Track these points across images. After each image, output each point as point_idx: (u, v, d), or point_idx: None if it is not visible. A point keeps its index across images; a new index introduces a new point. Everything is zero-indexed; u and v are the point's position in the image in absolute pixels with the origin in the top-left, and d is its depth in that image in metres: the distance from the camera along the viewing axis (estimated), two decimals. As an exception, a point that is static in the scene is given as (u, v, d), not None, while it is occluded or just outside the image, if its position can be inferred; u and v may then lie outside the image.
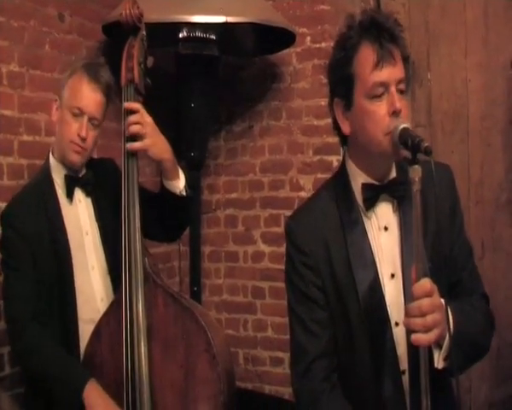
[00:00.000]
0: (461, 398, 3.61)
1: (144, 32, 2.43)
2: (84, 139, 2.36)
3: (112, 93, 2.46)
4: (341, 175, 1.92)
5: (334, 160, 3.51)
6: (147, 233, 2.61)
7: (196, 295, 3.34)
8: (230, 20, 3.08)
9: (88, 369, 2.23)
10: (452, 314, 1.67)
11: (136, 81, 2.39)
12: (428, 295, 1.57)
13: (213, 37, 3.34)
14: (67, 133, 2.36)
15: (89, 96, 2.37)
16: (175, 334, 2.22)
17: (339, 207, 1.88)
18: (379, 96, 1.73)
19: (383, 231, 1.86)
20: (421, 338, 1.56)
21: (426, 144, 1.61)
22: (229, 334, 3.69)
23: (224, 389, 2.17)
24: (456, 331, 1.65)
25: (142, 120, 2.32)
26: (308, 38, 3.69)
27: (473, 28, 3.62)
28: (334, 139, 3.58)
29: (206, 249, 3.87)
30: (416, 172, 1.58)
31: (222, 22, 3.07)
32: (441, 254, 1.84)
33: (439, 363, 1.68)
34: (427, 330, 1.56)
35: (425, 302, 1.56)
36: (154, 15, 3.17)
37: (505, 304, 3.56)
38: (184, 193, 2.45)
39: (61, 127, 2.39)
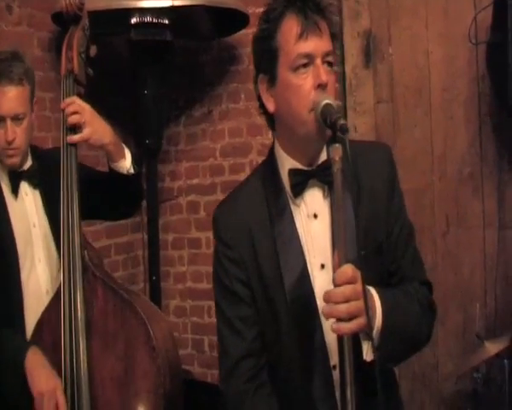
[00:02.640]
0: (427, 375, 3.61)
1: (87, 21, 2.38)
2: (11, 142, 2.31)
3: (31, 74, 2.37)
4: (270, 161, 1.81)
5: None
6: (100, 214, 2.58)
7: (155, 284, 3.30)
8: (177, 3, 3.02)
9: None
10: (382, 304, 1.61)
11: (75, 71, 2.34)
12: (351, 281, 1.47)
13: (165, 21, 3.28)
14: None
15: (3, 100, 2.29)
16: (115, 327, 2.17)
17: (266, 195, 1.78)
18: (304, 67, 1.63)
19: (313, 219, 1.74)
20: (342, 327, 1.47)
21: (342, 122, 1.48)
22: (194, 321, 3.66)
23: (164, 381, 2.13)
24: (385, 322, 1.60)
25: (80, 109, 2.27)
26: (263, 18, 3.60)
27: (433, -1, 3.58)
28: (294, 119, 3.59)
29: (170, 237, 3.83)
30: (335, 152, 1.48)
31: (169, 6, 3.01)
32: (376, 239, 1.75)
33: (367, 355, 1.60)
34: (350, 318, 1.47)
35: (347, 289, 1.46)
36: (104, 2, 3.13)
37: (470, 279, 3.54)
38: (132, 171, 2.41)
39: None
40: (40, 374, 2.06)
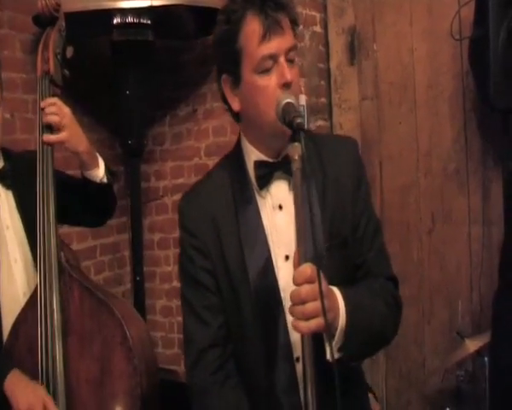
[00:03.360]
0: (413, 373, 3.61)
1: (63, 23, 2.37)
2: None
3: None
4: (236, 152, 1.82)
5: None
6: (72, 220, 2.57)
7: (139, 285, 3.29)
8: (156, 3, 3.00)
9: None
10: (345, 303, 1.59)
11: (51, 72, 2.33)
12: (309, 281, 1.45)
13: (147, 22, 3.26)
14: None
15: None
16: (91, 328, 2.16)
17: (232, 187, 1.77)
18: (268, 70, 1.62)
19: (278, 211, 1.74)
20: (300, 325, 1.46)
21: (298, 121, 1.48)
22: (181, 321, 3.62)
23: (141, 381, 2.12)
24: (349, 321, 1.58)
25: (60, 112, 2.26)
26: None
27: (417, -5, 3.58)
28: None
29: (156, 237, 3.81)
30: (294, 150, 1.46)
31: (147, 6, 3.00)
32: (342, 233, 1.74)
33: (330, 354, 1.56)
34: (307, 317, 1.45)
35: (304, 289, 1.45)
36: (85, 3, 3.12)
37: (456, 276, 3.54)
38: (105, 180, 2.40)
39: None
40: (24, 389, 2.05)
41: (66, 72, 2.39)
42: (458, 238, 3.53)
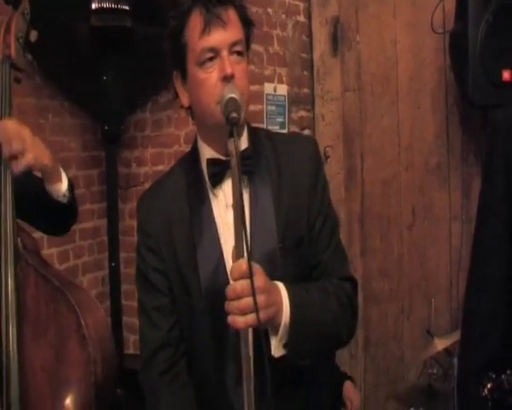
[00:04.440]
0: (391, 369, 3.58)
1: (27, 5, 2.34)
2: None
3: None
4: (193, 150, 1.81)
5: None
6: (30, 222, 2.55)
7: (115, 271, 3.27)
8: (130, -12, 2.98)
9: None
10: (290, 299, 1.57)
11: (12, 56, 2.29)
12: (244, 276, 1.43)
13: (125, 7, 3.23)
14: None
15: None
16: (46, 315, 2.14)
17: (188, 185, 1.76)
18: (209, 61, 1.62)
19: (230, 209, 1.66)
20: (236, 321, 1.45)
21: (232, 115, 1.47)
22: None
23: (95, 369, 2.10)
24: (294, 318, 1.56)
25: (21, 137, 2.19)
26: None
27: (401, -13, 3.54)
28: (256, 107, 3.55)
29: (135, 223, 3.78)
30: (233, 146, 1.44)
31: (122, -9, 2.97)
32: (297, 232, 1.72)
33: (275, 351, 1.57)
34: (243, 312, 1.44)
35: (239, 284, 1.43)
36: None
37: (436, 271, 3.51)
38: (67, 195, 2.33)
39: None
40: None
41: (29, 56, 2.35)
42: (438, 234, 3.50)
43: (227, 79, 1.60)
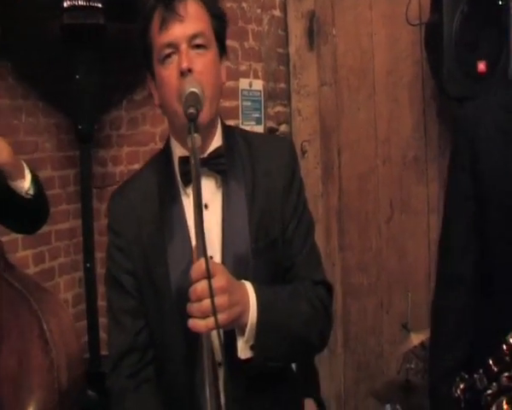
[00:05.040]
0: (372, 364, 3.55)
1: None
2: None
3: None
4: (165, 148, 1.76)
5: (232, 124, 3.36)
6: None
7: (90, 271, 3.23)
8: (99, -15, 2.93)
9: None
10: (257, 300, 1.52)
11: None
12: (205, 276, 1.38)
13: (98, 5, 3.18)
14: None
15: None
16: (8, 320, 2.10)
17: (159, 184, 1.71)
18: (169, 57, 1.57)
19: (203, 209, 1.62)
20: (197, 324, 1.39)
21: (190, 110, 1.42)
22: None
23: (58, 375, 2.06)
24: (261, 319, 1.51)
25: None
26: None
27: (376, -22, 3.50)
28: (232, 103, 3.51)
29: (111, 222, 3.76)
30: (193, 142, 1.39)
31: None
32: (270, 234, 1.67)
33: (242, 352, 1.53)
34: (204, 315, 1.38)
35: (199, 285, 1.38)
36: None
37: (415, 265, 3.48)
38: (31, 192, 2.29)
39: None
40: None
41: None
42: (417, 227, 3.47)
43: (184, 74, 1.55)
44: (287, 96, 3.66)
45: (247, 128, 3.38)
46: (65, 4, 3.18)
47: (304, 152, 3.59)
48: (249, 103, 3.42)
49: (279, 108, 3.64)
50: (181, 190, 1.68)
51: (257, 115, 3.46)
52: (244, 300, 1.52)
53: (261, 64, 3.50)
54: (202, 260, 1.38)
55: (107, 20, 3.23)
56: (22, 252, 3.28)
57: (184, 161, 1.65)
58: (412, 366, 2.93)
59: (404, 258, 3.50)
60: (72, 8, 3.17)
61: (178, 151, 1.68)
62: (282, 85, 3.66)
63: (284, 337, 1.58)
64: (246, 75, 3.41)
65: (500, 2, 2.92)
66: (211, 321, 1.38)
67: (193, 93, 1.48)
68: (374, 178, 3.54)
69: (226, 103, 3.36)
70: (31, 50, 3.22)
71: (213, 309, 1.36)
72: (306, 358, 1.83)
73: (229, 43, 3.37)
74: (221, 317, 1.41)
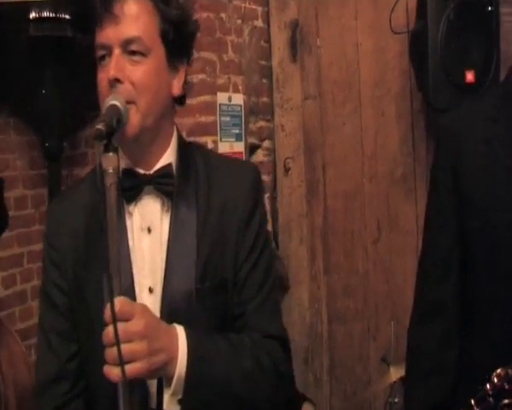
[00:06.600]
0: (359, 394, 3.37)
1: None
2: None
3: None
4: None
5: (209, 140, 3.19)
6: None
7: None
8: (66, -4, 2.80)
9: None
10: (189, 349, 1.35)
11: None
12: (121, 318, 1.22)
13: (66, 16, 3.05)
14: None
15: None
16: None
17: (100, 197, 1.55)
18: (103, 59, 1.43)
19: (146, 233, 1.49)
20: (111, 373, 1.23)
21: (97, 126, 1.24)
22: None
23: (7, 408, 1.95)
24: (191, 370, 1.34)
25: None
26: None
27: (362, -13, 3.34)
28: (208, 118, 3.34)
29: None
30: (108, 162, 1.23)
31: (58, -1, 2.80)
32: (220, 273, 1.49)
33: (168, 407, 1.36)
34: (116, 362, 1.21)
35: (112, 329, 1.21)
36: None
37: (403, 287, 3.27)
38: None
39: None
40: None
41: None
42: (405, 248, 3.28)
43: (111, 83, 1.39)
44: (270, 110, 3.49)
45: (226, 145, 3.22)
46: (31, 16, 3.06)
47: (287, 170, 3.43)
48: (228, 119, 3.25)
49: (262, 123, 3.47)
50: (125, 208, 1.50)
51: (237, 131, 3.29)
52: (172, 347, 1.34)
53: (241, 77, 3.33)
54: (117, 299, 1.23)
55: (76, 32, 3.10)
56: (-8, 274, 3.15)
57: (128, 174, 1.48)
58: (396, 400, 2.73)
59: (393, 281, 3.31)
60: (39, 19, 3.05)
61: (123, 163, 1.47)
62: (265, 99, 3.49)
63: (218, 395, 1.40)
64: (224, 89, 3.24)
65: (489, 8, 2.76)
66: (127, 369, 1.22)
67: (112, 107, 1.33)
68: (360, 197, 3.36)
69: (202, 118, 3.19)
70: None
71: (120, 358, 1.19)
72: None
73: (206, 55, 3.22)
74: (139, 365, 1.25)
